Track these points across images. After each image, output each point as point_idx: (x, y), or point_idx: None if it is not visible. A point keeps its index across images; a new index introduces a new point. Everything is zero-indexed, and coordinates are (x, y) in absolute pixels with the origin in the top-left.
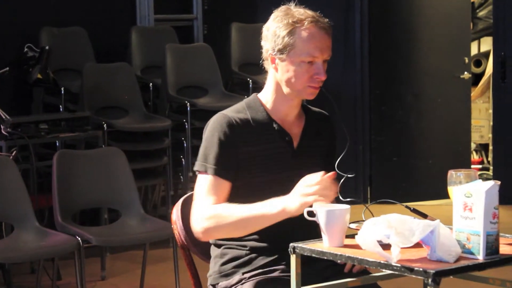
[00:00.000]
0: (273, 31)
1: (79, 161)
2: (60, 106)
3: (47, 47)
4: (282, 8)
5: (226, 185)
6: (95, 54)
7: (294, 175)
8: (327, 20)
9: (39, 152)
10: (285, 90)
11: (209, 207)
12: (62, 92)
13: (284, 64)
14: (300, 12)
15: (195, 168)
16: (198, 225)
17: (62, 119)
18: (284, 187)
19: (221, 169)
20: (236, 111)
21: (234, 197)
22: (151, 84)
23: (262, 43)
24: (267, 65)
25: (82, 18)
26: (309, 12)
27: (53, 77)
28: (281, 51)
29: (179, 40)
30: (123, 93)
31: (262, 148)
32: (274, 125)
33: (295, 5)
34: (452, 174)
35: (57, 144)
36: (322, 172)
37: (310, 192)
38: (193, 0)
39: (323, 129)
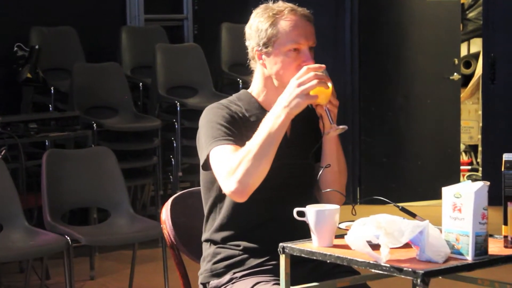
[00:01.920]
0: (256, 26)
1: (69, 160)
2: (50, 105)
3: (37, 47)
4: (261, 6)
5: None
6: (85, 54)
7: (289, 164)
8: (306, 8)
9: (28, 151)
10: (276, 83)
11: (230, 161)
12: (52, 91)
13: (271, 58)
14: (279, 4)
15: (205, 154)
16: (232, 182)
17: (52, 119)
18: (279, 176)
19: (231, 136)
20: (228, 101)
21: None
22: (141, 83)
23: (247, 43)
24: (254, 64)
25: (72, 18)
26: (288, 4)
27: (42, 76)
28: (266, 44)
29: (169, 40)
30: (120, 93)
31: None
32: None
33: (273, 2)
34: None
35: (47, 143)
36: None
37: (306, 79)
38: (183, 0)
39: (308, 118)
